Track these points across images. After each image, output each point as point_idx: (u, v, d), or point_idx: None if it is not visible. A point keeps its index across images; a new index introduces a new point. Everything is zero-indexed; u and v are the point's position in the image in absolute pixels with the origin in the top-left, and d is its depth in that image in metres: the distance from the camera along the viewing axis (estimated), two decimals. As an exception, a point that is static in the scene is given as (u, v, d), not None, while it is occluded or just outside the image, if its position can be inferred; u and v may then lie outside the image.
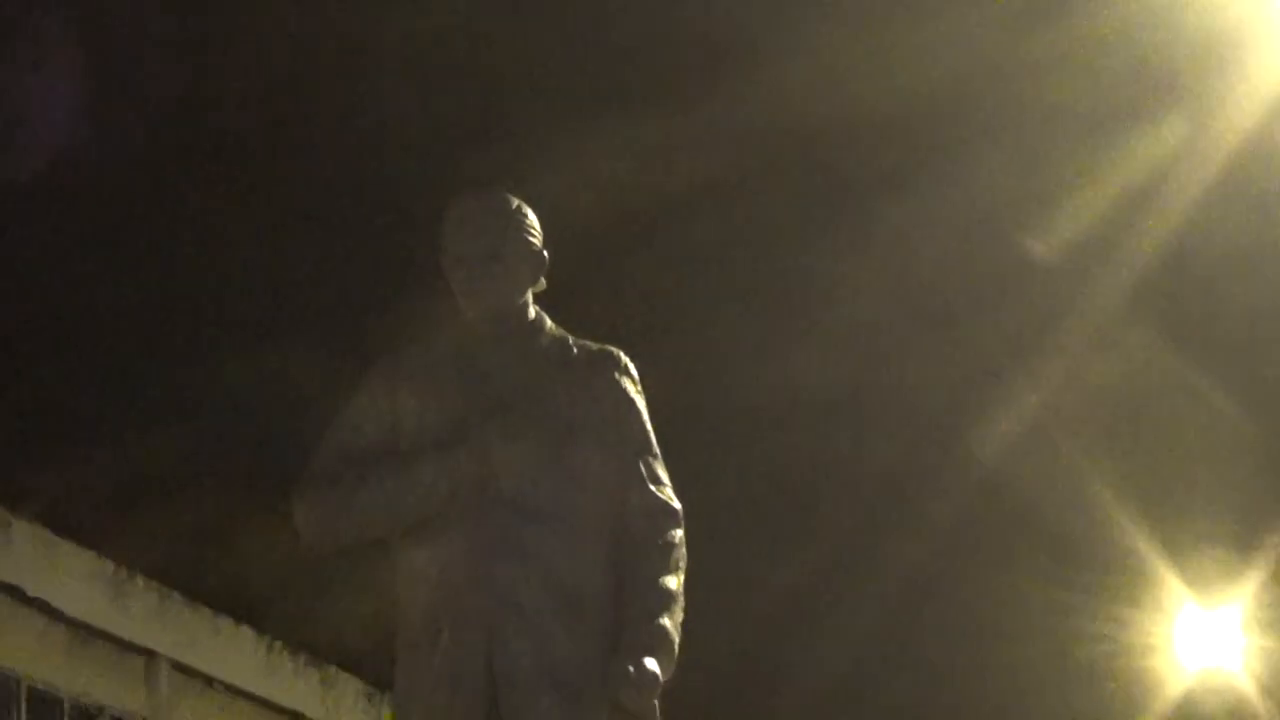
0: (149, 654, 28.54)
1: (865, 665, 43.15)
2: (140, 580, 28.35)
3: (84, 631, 27.08)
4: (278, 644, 31.99)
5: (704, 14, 22.72)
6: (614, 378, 7.73)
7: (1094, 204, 27.38)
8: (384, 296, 22.11)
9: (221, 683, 30.31)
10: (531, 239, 7.75)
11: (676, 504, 7.64)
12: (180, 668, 29.26)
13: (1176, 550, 36.96)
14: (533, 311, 7.84)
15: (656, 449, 7.74)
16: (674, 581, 7.52)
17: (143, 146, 21.82)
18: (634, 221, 24.79)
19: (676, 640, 7.44)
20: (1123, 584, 41.75)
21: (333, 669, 33.28)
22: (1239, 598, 38.42)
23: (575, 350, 7.79)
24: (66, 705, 26.80)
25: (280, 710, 32.07)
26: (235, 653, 30.99)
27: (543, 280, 7.83)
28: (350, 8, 20.92)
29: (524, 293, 7.78)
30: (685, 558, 7.55)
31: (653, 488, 7.63)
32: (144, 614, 28.48)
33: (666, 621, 7.44)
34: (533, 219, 7.77)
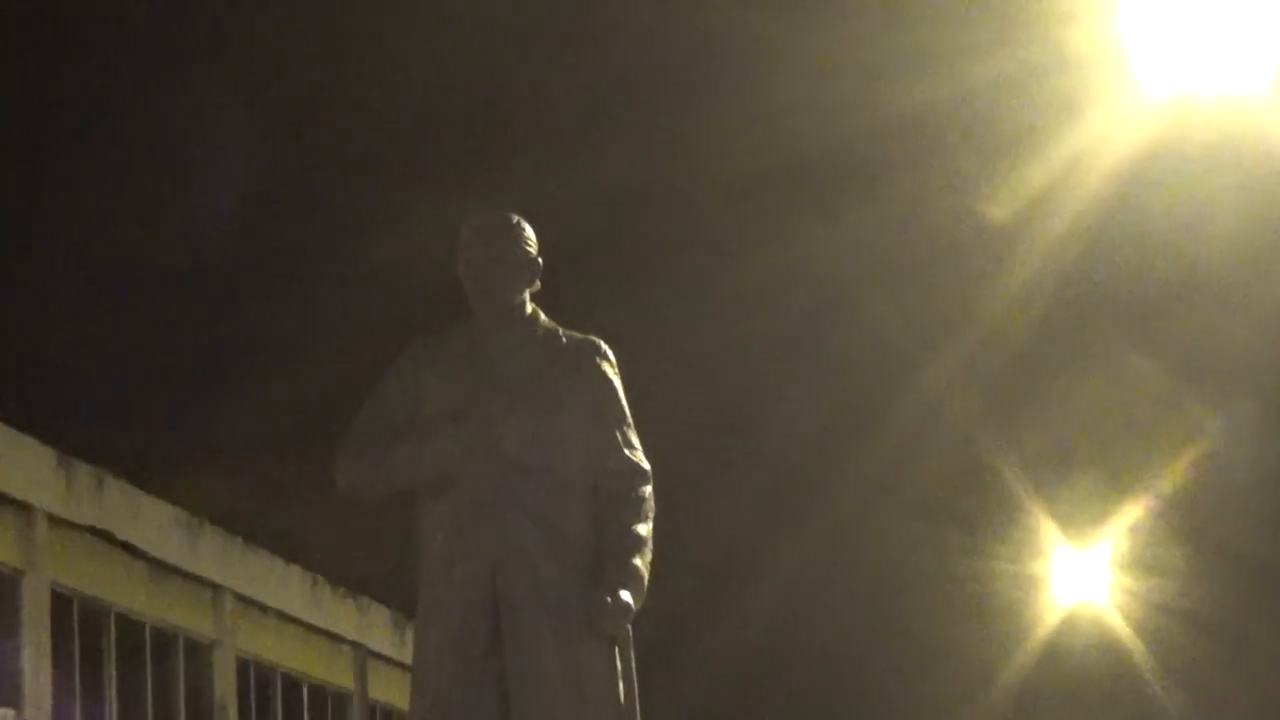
0: (215, 587, 29.29)
1: (791, 605, 43.48)
2: (209, 526, 29.09)
3: (162, 568, 27.85)
4: (321, 579, 32.81)
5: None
6: (596, 362, 8.30)
7: (1021, 192, 27.70)
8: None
9: (275, 610, 31.14)
10: (528, 249, 8.33)
11: (646, 465, 8.23)
12: (241, 598, 30.03)
13: (1053, 499, 37.18)
14: (530, 307, 8.36)
15: (630, 419, 8.29)
16: (644, 529, 8.13)
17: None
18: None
19: (646, 576, 8.06)
20: (1006, 530, 41.86)
21: (365, 599, 34.00)
22: (1107, 540, 38.54)
23: (564, 339, 8.34)
24: (148, 629, 27.56)
25: (323, 632, 32.81)
26: (286, 586, 31.81)
27: (538, 282, 8.37)
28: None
29: (522, 293, 8.33)
30: (653, 509, 8.20)
31: (627, 451, 8.20)
32: (212, 554, 29.27)
33: (638, 561, 8.05)
34: (529, 232, 8.35)
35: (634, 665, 8.07)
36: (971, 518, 41.72)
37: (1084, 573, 41.19)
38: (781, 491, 45.61)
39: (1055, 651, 46.88)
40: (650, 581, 8.10)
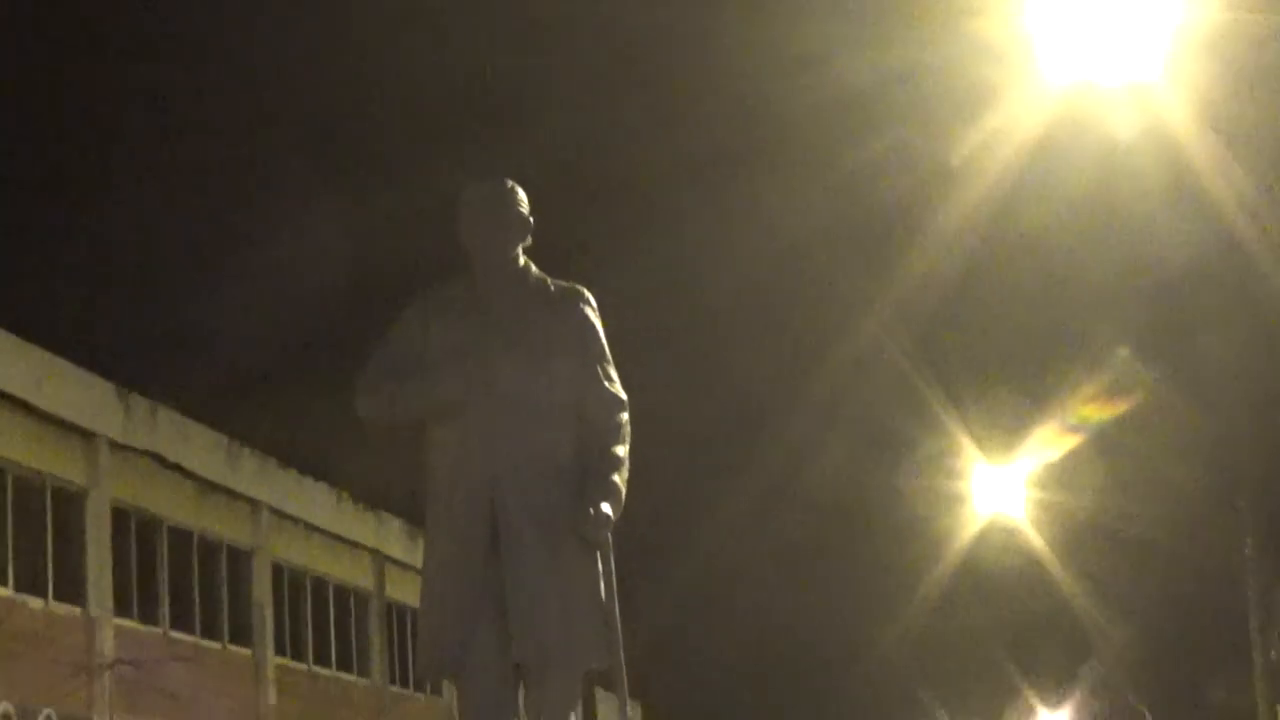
0: (253, 502, 29.39)
1: (741, 526, 43.59)
2: (248, 450, 29.09)
3: (207, 486, 27.92)
4: (344, 494, 32.88)
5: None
6: (580, 307, 8.29)
7: (942, 162, 27.80)
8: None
9: (305, 522, 31.21)
10: (521, 210, 8.32)
11: (624, 395, 8.24)
12: (276, 512, 30.08)
13: (972, 420, 37.25)
14: (522, 260, 8.35)
15: (609, 356, 8.26)
16: (622, 450, 8.15)
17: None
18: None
19: (624, 492, 8.11)
20: (929, 449, 41.89)
21: (382, 512, 34.03)
22: (1021, 458, 38.60)
23: (553, 287, 8.33)
24: (195, 539, 27.61)
25: (345, 541, 32.90)
26: (314, 501, 31.87)
27: (529, 239, 8.37)
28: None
29: (516, 248, 8.33)
30: (630, 434, 8.20)
31: (607, 384, 8.21)
32: (250, 474, 29.30)
33: (617, 479, 8.08)
34: (522, 196, 8.32)
35: (614, 568, 8.08)
36: (901, 442, 41.82)
37: (999, 488, 41.17)
38: (735, 426, 45.92)
39: (972, 561, 47.03)
40: (627, 498, 8.14)
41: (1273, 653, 45.84)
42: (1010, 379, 38.37)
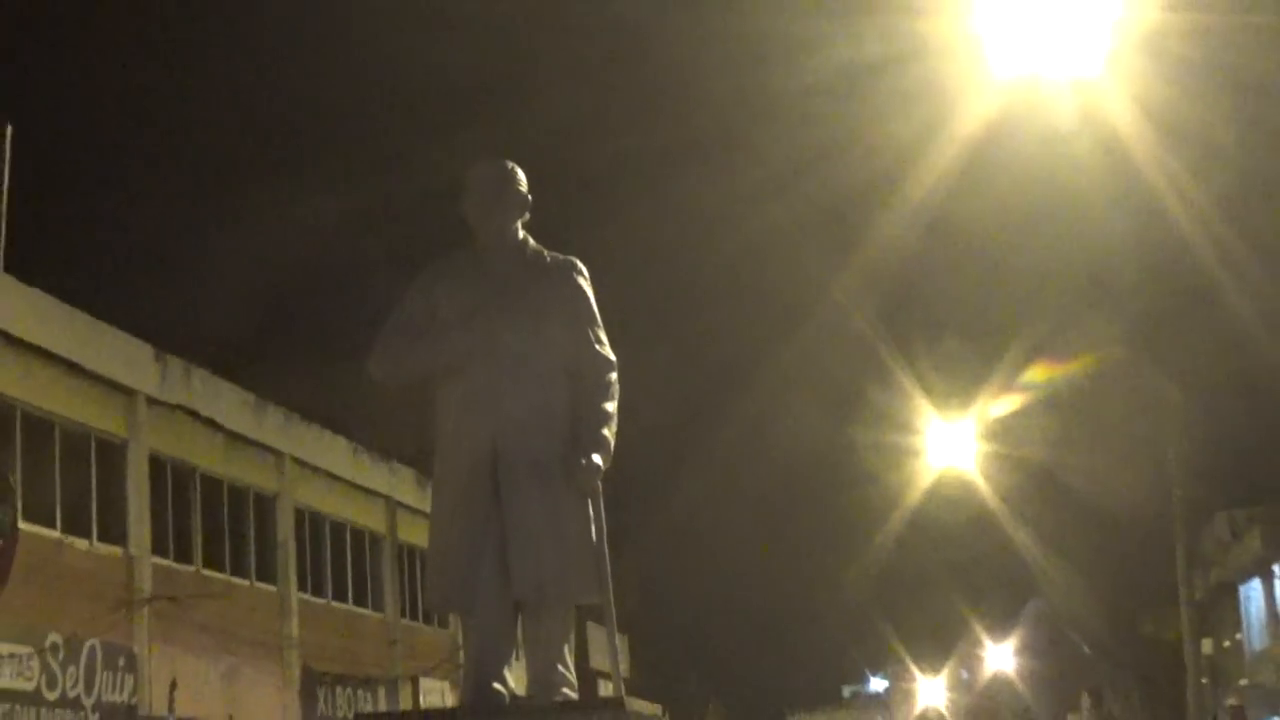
0: (277, 453, 29.38)
1: (717, 478, 43.26)
2: (272, 405, 29.08)
3: (236, 439, 27.92)
4: (360, 446, 32.87)
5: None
6: (573, 276, 8.29)
7: (891, 152, 27.73)
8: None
9: (324, 471, 31.27)
10: (520, 188, 8.32)
11: (613, 357, 8.24)
12: (298, 461, 30.11)
13: (928, 381, 37.27)
14: (521, 233, 8.35)
15: (599, 320, 8.27)
16: (611, 406, 8.16)
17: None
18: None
19: (612, 444, 8.12)
20: (887, 407, 41.91)
21: (394, 462, 34.07)
22: (971, 414, 38.58)
23: (549, 258, 8.33)
24: (225, 486, 27.62)
25: (361, 488, 32.98)
26: (333, 452, 31.90)
27: (528, 214, 8.37)
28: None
29: (515, 223, 8.32)
30: (618, 391, 8.21)
31: (598, 346, 8.22)
32: (275, 427, 29.31)
33: (606, 432, 8.10)
34: (521, 176, 8.31)
35: (604, 514, 8.09)
36: (862, 402, 41.88)
37: (952, 442, 41.17)
38: (714, 388, 46.04)
39: (926, 509, 47.10)
40: (615, 450, 8.15)
41: (1197, 592, 46.12)
42: (963, 343, 38.47)
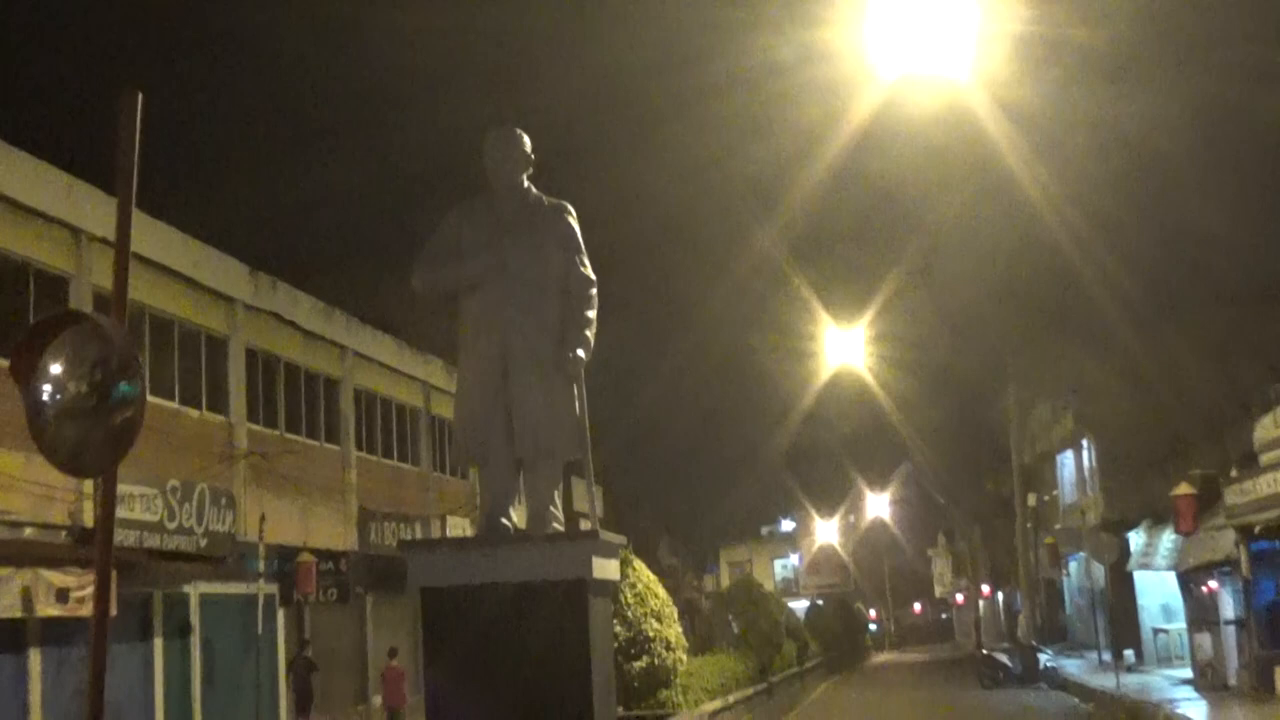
0: (341, 347, 29.29)
1: (660, 390, 43.08)
2: (338, 311, 28.90)
3: (310, 336, 27.87)
4: (405, 342, 32.72)
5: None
6: (564, 216, 8.27)
7: (789, 141, 27.38)
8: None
9: (378, 362, 31.13)
10: (525, 148, 8.26)
11: (594, 277, 8.21)
12: (357, 354, 30.00)
13: (825, 296, 37.08)
14: (526, 182, 8.29)
15: (584, 249, 8.21)
16: (592, 313, 8.13)
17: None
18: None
19: (592, 343, 8.10)
20: (796, 322, 41.67)
21: (429, 354, 33.98)
22: (862, 321, 38.40)
23: (546, 202, 8.31)
24: (302, 372, 27.50)
25: (404, 374, 32.91)
26: (383, 346, 31.77)
27: (531, 169, 8.30)
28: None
29: (521, 175, 8.27)
30: (597, 303, 8.16)
31: (583, 269, 8.21)
32: (340, 327, 29.16)
33: (588, 333, 8.10)
34: (526, 139, 8.24)
35: (585, 394, 8.09)
36: (778, 320, 41.92)
37: (844, 347, 41.21)
38: (666, 310, 46.02)
39: (824, 397, 47.24)
40: (594, 349, 8.13)
41: (1026, 458, 46.51)
42: (854, 272, 38.54)
